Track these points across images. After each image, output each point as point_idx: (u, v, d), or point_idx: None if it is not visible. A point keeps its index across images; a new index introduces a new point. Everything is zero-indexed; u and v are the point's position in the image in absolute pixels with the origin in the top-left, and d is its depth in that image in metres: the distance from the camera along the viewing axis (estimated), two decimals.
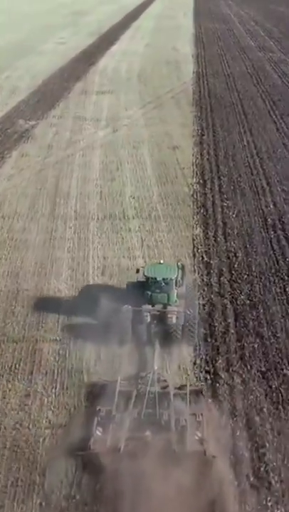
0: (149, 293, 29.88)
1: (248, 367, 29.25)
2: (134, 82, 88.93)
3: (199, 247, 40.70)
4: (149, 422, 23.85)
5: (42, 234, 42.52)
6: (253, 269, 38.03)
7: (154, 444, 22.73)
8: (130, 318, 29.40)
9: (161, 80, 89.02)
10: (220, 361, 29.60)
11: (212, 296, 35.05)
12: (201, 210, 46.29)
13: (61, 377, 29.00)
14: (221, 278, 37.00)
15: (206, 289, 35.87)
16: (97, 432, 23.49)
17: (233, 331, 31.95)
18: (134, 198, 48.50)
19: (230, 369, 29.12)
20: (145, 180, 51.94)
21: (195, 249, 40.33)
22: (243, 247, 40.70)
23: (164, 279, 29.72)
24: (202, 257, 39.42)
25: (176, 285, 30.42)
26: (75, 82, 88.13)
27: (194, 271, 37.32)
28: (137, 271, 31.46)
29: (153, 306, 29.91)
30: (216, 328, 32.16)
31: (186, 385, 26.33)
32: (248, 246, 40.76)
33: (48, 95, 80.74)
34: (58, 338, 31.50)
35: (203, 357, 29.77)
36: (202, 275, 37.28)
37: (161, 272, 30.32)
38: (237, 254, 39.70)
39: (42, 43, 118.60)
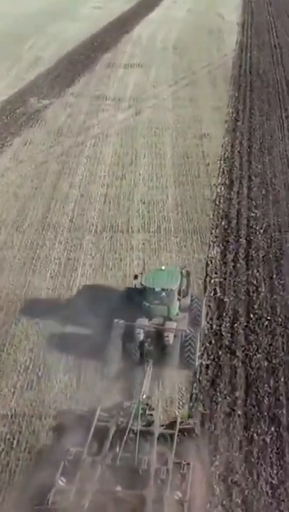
0: (147, 304, 25.92)
1: (254, 476, 21.34)
2: (169, 54, 79.86)
3: (213, 275, 32.74)
4: (124, 470, 19.55)
5: (24, 251, 35.18)
6: (278, 311, 29.91)
7: (125, 501, 18.55)
8: (121, 335, 25.29)
9: (200, 51, 79.61)
10: (216, 463, 21.71)
11: (220, 352, 27.10)
12: (222, 223, 38.10)
13: None
14: (235, 325, 29.00)
15: (213, 340, 28.00)
16: (60, 482, 19.14)
17: (240, 412, 23.97)
18: (144, 202, 40.61)
19: (229, 478, 21.23)
20: (161, 180, 43.85)
21: (207, 279, 32.32)
22: (268, 277, 32.56)
23: (163, 289, 25.63)
24: (214, 290, 31.44)
25: (179, 295, 26.53)
26: (103, 53, 79.62)
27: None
28: (135, 277, 27.38)
29: (150, 319, 25.78)
30: (219, 406, 24.23)
31: (175, 422, 21.52)
32: (274, 277, 32.60)
33: (70, 68, 72.62)
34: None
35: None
36: (211, 319, 29.33)
37: (161, 280, 26.22)
38: (259, 289, 31.60)
39: (77, 6, 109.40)
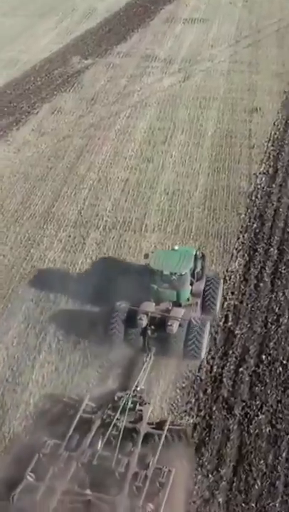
0: (155, 287, 23.68)
1: None
2: (237, 7, 71.85)
3: (228, 297, 27.21)
4: (100, 470, 17.81)
5: (17, 250, 30.71)
6: None
7: (94, 506, 16.96)
8: (124, 319, 23.39)
9: (272, 5, 71.14)
10: None
11: (214, 407, 21.94)
12: (254, 225, 32.23)
13: None
14: (241, 368, 23.68)
15: (210, 389, 22.78)
16: (29, 477, 17.60)
17: (220, 499, 18.97)
18: (167, 193, 35.18)
19: None
20: (194, 165, 38.12)
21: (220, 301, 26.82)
22: None
23: (173, 273, 23.31)
24: (226, 317, 26.00)
25: (193, 278, 24.37)
26: (164, 5, 72.44)
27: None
28: (146, 256, 25.06)
29: (158, 304, 23.72)
30: (196, 487, 19.26)
31: (165, 422, 19.76)
32: None
33: (124, 22, 66.29)
34: None
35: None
36: (213, 358, 24.13)
37: (172, 262, 23.76)
38: (281, 320, 26.00)
39: None
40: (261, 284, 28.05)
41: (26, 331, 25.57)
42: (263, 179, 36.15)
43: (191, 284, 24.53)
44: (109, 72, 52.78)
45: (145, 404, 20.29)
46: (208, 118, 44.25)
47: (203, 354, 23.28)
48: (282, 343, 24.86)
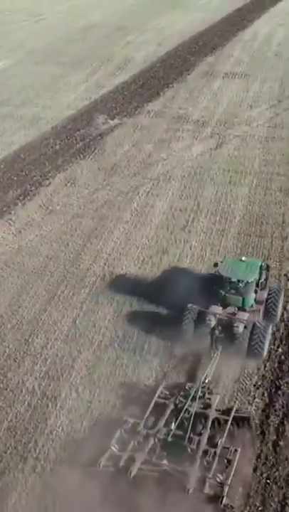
0: (223, 293, 26.41)
1: None
2: (283, 60, 67.24)
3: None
4: (174, 446, 20.67)
5: None
6: None
7: (169, 476, 19.83)
8: (194, 319, 26.01)
9: None
10: None
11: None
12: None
13: None
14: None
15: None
16: (113, 448, 20.57)
17: None
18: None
19: None
20: (215, 259, 32.67)
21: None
22: None
23: (240, 280, 26.00)
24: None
25: (257, 287, 26.75)
26: (205, 56, 68.46)
27: None
28: (215, 265, 27.44)
29: (225, 307, 26.35)
30: None
31: (231, 409, 22.24)
32: None
33: (160, 75, 62.41)
34: None
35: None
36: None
37: (239, 271, 26.47)
38: None
39: None
40: None
41: None
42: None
43: (256, 292, 26.64)
44: (135, 135, 48.55)
45: (213, 394, 22.75)
46: (238, 197, 39.26)
47: (265, 353, 25.53)
48: None
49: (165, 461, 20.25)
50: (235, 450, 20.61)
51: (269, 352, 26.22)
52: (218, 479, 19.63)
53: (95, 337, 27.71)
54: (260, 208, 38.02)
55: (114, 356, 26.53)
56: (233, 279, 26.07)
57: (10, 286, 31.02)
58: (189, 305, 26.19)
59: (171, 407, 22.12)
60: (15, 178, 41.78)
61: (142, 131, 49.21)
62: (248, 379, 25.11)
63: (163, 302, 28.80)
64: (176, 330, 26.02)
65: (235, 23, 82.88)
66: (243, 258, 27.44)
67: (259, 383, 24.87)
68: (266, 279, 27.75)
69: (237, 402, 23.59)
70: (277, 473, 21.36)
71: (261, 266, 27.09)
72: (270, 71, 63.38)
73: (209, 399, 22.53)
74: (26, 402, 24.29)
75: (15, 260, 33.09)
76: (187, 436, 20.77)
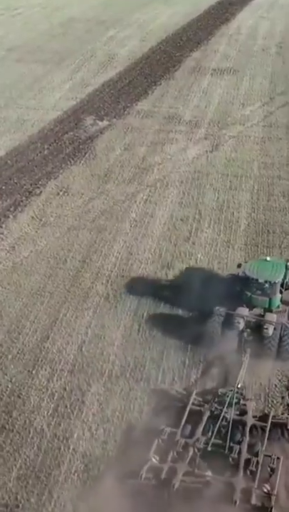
0: (249, 294, 25.73)
1: None
2: (271, 55, 65.81)
3: None
4: (215, 455, 20.08)
5: None
6: None
7: (213, 487, 18.98)
8: (221, 322, 25.28)
9: None
10: None
11: None
12: None
13: None
14: None
15: None
16: (153, 459, 19.86)
17: None
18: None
19: None
20: (222, 273, 30.92)
21: None
22: None
23: (267, 281, 25.31)
24: None
25: (282, 287, 26.10)
26: (190, 51, 66.44)
27: None
28: (239, 265, 27.19)
29: (251, 309, 25.73)
30: None
31: (268, 415, 21.61)
32: None
33: (146, 72, 60.15)
34: None
35: None
36: None
37: (265, 271, 25.79)
38: None
39: None
40: None
41: None
42: None
43: (281, 292, 26.04)
44: (126, 138, 46.37)
45: (248, 400, 22.15)
46: (241, 204, 37.43)
47: None
48: None
49: (209, 472, 19.57)
50: (278, 458, 19.97)
51: None
52: (264, 489, 18.95)
53: (104, 366, 25.67)
54: (265, 216, 36.28)
55: (128, 388, 24.43)
56: (260, 280, 25.42)
57: (8, 310, 28.79)
58: (216, 307, 25.56)
59: (207, 414, 21.49)
60: (3, 188, 39.41)
61: (133, 133, 47.09)
62: (280, 382, 24.43)
63: (176, 321, 27.67)
64: (202, 333, 25.34)
65: (218, 16, 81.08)
66: (268, 258, 26.88)
67: None
68: None
69: (272, 408, 23.05)
70: None
71: (286, 266, 26.55)
72: (259, 67, 61.75)
73: (244, 405, 21.92)
74: (36, 445, 22.16)
75: (10, 280, 30.82)
76: (227, 445, 20.21)
